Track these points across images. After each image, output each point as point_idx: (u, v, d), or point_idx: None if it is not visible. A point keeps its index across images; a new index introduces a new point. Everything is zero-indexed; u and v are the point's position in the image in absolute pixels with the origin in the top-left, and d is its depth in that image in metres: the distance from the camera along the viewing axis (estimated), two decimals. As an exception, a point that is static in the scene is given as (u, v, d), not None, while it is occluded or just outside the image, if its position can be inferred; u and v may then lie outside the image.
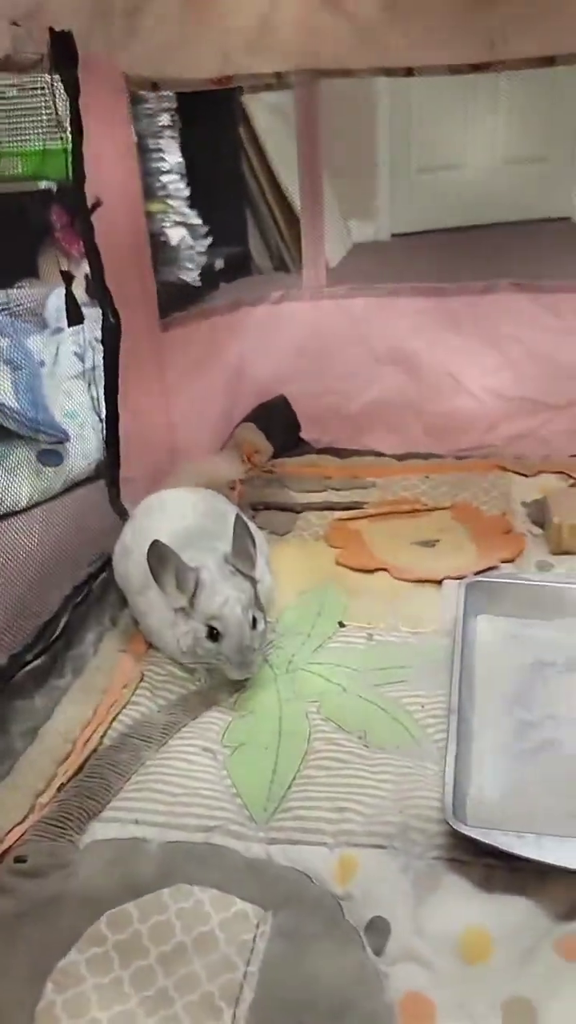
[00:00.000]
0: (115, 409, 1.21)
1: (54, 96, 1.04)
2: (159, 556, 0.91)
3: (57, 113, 1.05)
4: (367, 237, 3.57)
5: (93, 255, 1.11)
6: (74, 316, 1.09)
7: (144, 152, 2.31)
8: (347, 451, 1.64)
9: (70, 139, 1.05)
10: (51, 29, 0.98)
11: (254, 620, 0.92)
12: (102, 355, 1.19)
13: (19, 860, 0.73)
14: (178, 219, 2.47)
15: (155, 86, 1.29)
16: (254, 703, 0.94)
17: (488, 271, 1.60)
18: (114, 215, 1.15)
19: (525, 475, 1.46)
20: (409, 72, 1.38)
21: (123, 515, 1.21)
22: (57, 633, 1.01)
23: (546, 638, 1.02)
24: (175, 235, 2.46)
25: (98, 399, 1.22)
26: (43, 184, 1.89)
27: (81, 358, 1.62)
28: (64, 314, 1.09)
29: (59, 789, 0.83)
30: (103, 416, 1.21)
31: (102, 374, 1.20)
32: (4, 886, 0.71)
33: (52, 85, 1.03)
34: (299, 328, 1.63)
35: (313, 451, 1.65)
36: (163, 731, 0.90)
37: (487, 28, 1.30)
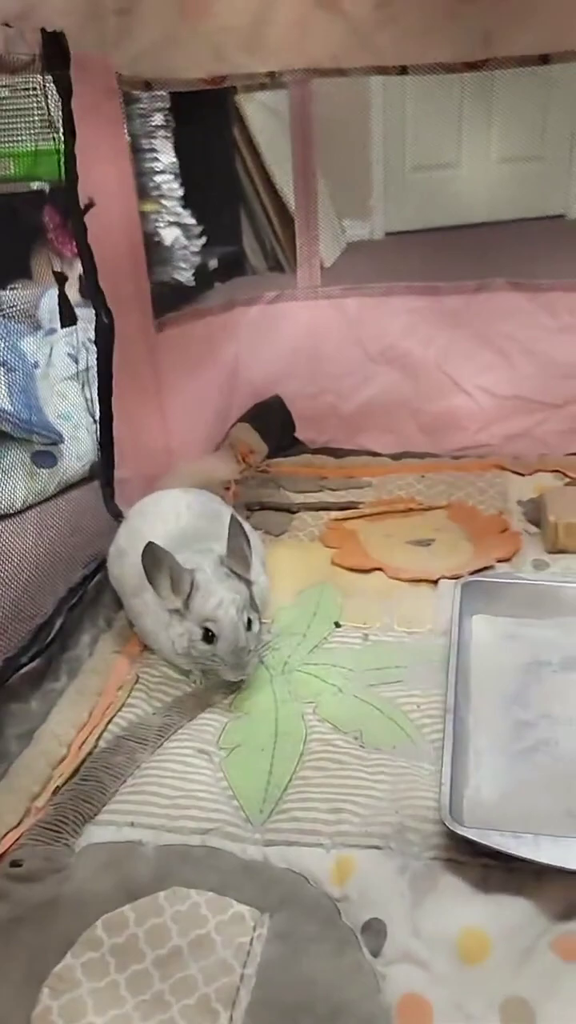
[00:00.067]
0: (109, 410, 1.21)
1: (46, 97, 1.04)
2: (154, 558, 0.90)
3: (49, 114, 1.05)
4: (361, 236, 3.57)
5: (86, 256, 1.11)
6: (67, 317, 1.09)
7: (137, 152, 2.30)
8: (342, 451, 1.64)
9: (62, 140, 1.05)
10: (43, 30, 0.98)
11: (249, 622, 0.92)
12: (96, 356, 1.19)
13: (14, 864, 0.73)
14: (172, 219, 2.47)
15: (148, 86, 1.28)
16: (250, 704, 0.94)
17: (483, 270, 1.60)
18: (107, 215, 1.15)
19: (521, 474, 1.46)
20: (403, 71, 1.37)
21: (118, 517, 1.20)
22: (52, 636, 1.00)
23: (542, 637, 1.02)
24: (169, 235, 2.45)
25: (92, 400, 1.22)
26: (36, 185, 1.88)
27: (75, 359, 1.62)
28: (57, 315, 1.09)
29: (54, 792, 0.83)
30: (97, 417, 1.21)
31: (96, 375, 1.19)
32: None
33: (44, 86, 1.03)
34: (294, 328, 1.63)
35: (308, 451, 1.65)
36: (158, 733, 0.89)
37: (481, 26, 1.30)
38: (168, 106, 2.37)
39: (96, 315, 1.15)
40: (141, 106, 2.29)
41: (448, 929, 0.67)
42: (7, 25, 0.93)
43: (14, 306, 1.71)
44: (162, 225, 2.44)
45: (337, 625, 1.08)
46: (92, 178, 1.10)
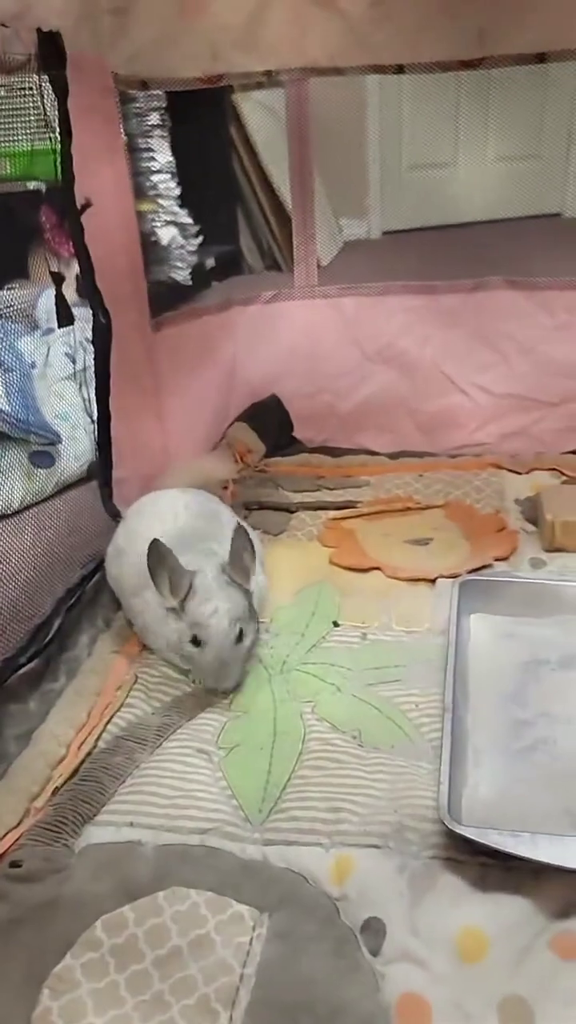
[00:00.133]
0: (107, 410, 1.21)
1: (42, 96, 1.04)
2: (157, 555, 0.91)
3: (45, 113, 1.05)
4: (358, 235, 3.57)
5: (83, 256, 1.11)
6: (64, 317, 1.09)
7: (134, 151, 2.30)
8: (340, 450, 1.64)
9: (59, 139, 1.05)
10: (39, 29, 0.98)
11: (241, 633, 0.92)
12: (93, 356, 1.19)
13: (14, 865, 0.73)
14: (169, 218, 2.46)
15: (144, 85, 1.28)
16: (249, 704, 0.94)
17: (479, 268, 1.60)
18: (104, 215, 1.15)
19: (518, 472, 1.46)
20: (399, 69, 1.37)
21: (116, 516, 1.20)
22: (50, 636, 1.00)
23: (540, 636, 1.02)
24: (166, 234, 2.45)
25: (89, 400, 1.22)
26: (32, 185, 1.88)
27: (72, 359, 1.62)
28: (54, 315, 1.09)
29: (54, 793, 0.83)
30: (94, 417, 1.21)
31: (93, 375, 1.19)
32: (-1, 891, 0.71)
33: (40, 86, 1.03)
34: (291, 327, 1.63)
35: (306, 450, 1.65)
36: (157, 733, 0.90)
37: (477, 25, 1.30)
38: (164, 105, 2.37)
39: (93, 315, 1.15)
40: (137, 105, 2.29)
41: (447, 928, 0.67)
42: (3, 25, 0.93)
43: (11, 306, 1.71)
44: (159, 224, 2.44)
45: (335, 624, 1.08)
46: (89, 178, 1.09)
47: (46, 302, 1.75)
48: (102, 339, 1.16)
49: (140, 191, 2.34)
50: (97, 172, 1.14)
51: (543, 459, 1.50)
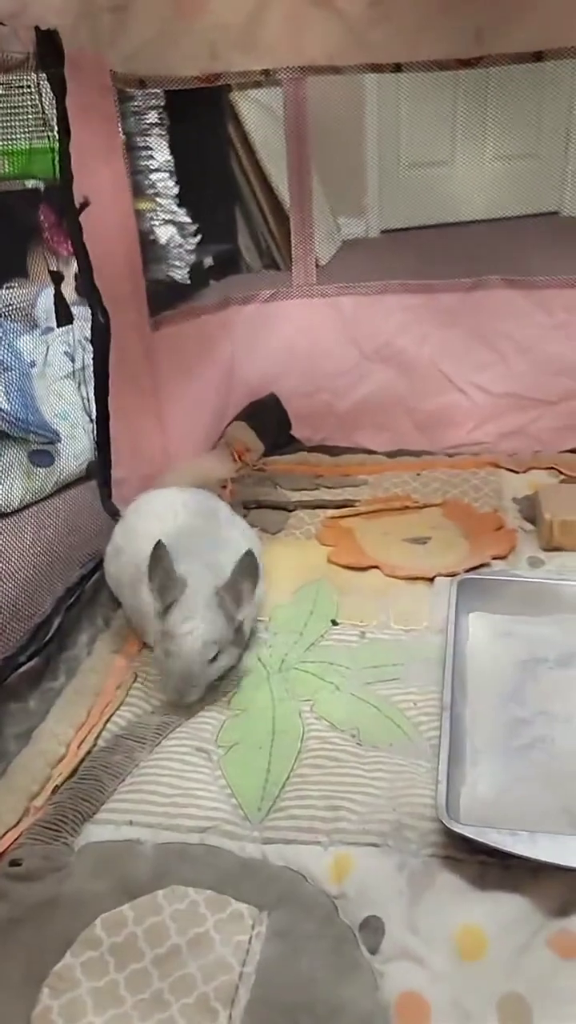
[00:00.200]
0: (106, 409, 1.21)
1: (41, 95, 1.03)
2: (156, 559, 0.91)
3: (44, 112, 1.05)
4: (357, 234, 3.57)
5: (82, 254, 1.11)
6: (63, 316, 1.09)
7: (132, 150, 2.30)
8: (338, 449, 1.64)
9: (57, 138, 1.05)
10: (37, 28, 0.98)
11: (216, 656, 0.91)
12: (92, 355, 1.19)
13: (14, 863, 0.73)
14: (167, 217, 2.46)
15: (143, 83, 1.28)
16: (247, 702, 0.94)
17: (477, 267, 1.60)
18: (102, 214, 1.15)
19: (516, 471, 1.46)
20: (397, 68, 1.37)
21: (115, 515, 1.20)
22: (50, 635, 1.00)
23: (538, 635, 1.02)
24: (164, 233, 2.45)
25: (88, 399, 1.22)
26: (30, 183, 1.88)
27: (71, 358, 1.62)
28: (53, 314, 1.09)
29: (53, 791, 0.83)
30: (94, 416, 1.21)
31: (92, 374, 1.19)
32: (-1, 890, 0.71)
33: (38, 84, 1.03)
34: (289, 326, 1.63)
35: (304, 449, 1.65)
36: (157, 731, 0.90)
37: (475, 24, 1.30)
38: (163, 104, 2.37)
39: (92, 314, 1.15)
40: (136, 104, 2.28)
41: (446, 926, 0.67)
42: (1, 23, 0.93)
43: (10, 305, 1.71)
44: (157, 223, 2.43)
45: (334, 623, 1.08)
46: (87, 176, 1.09)
47: (45, 301, 1.75)
48: (101, 338, 1.17)
49: (138, 190, 2.33)
50: (95, 171, 1.14)
51: (541, 458, 1.50)
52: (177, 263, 2.50)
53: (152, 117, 2.36)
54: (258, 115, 2.82)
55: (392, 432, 1.65)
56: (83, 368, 1.31)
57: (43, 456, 1.47)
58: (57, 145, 1.05)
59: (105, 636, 1.08)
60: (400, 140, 3.46)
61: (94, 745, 0.90)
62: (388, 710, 0.91)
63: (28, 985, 0.63)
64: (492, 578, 1.10)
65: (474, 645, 1.01)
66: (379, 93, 3.32)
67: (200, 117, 2.57)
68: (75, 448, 1.50)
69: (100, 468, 1.24)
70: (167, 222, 2.46)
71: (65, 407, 1.56)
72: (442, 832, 0.73)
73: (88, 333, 1.17)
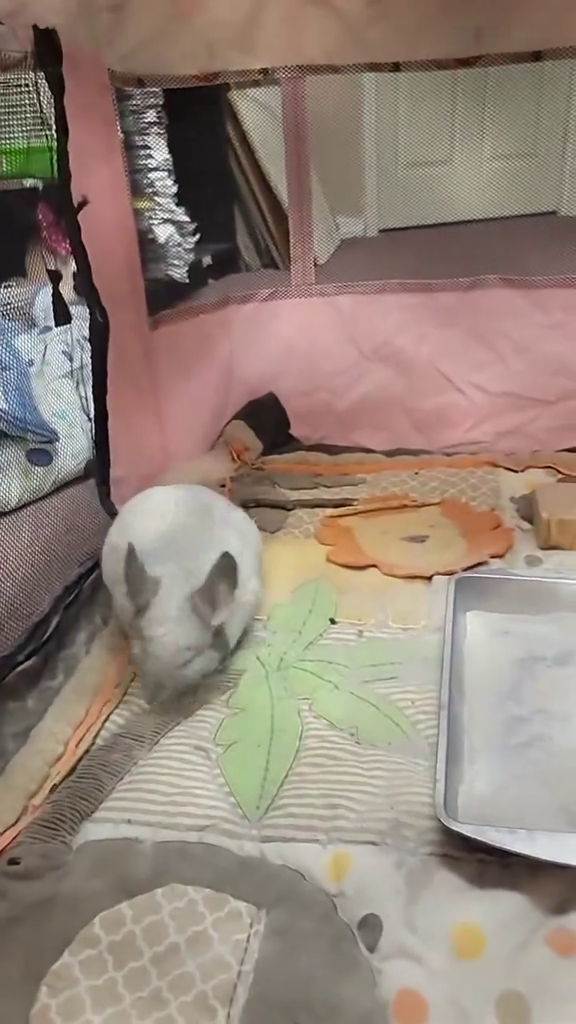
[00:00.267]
0: (104, 408, 1.21)
1: (39, 94, 1.03)
2: (128, 560, 0.90)
3: (42, 111, 1.05)
4: (355, 233, 3.57)
5: (80, 253, 1.11)
6: (62, 315, 1.09)
7: (131, 149, 2.29)
8: (337, 448, 1.64)
9: (55, 137, 1.05)
10: (35, 27, 0.97)
11: (192, 659, 0.90)
12: (90, 354, 1.18)
13: (12, 862, 0.73)
14: (165, 216, 2.46)
15: (141, 82, 1.28)
16: (246, 701, 0.94)
17: (475, 267, 1.60)
18: (101, 213, 1.15)
19: (514, 470, 1.46)
20: (396, 67, 1.37)
21: (113, 514, 1.20)
22: (48, 633, 1.00)
23: (536, 633, 1.02)
24: (163, 232, 2.45)
25: (87, 398, 1.22)
26: (29, 182, 1.88)
27: (69, 357, 1.61)
28: (52, 313, 1.09)
29: (52, 790, 0.83)
30: (92, 415, 1.21)
31: (90, 373, 1.19)
32: (-3, 889, 0.71)
33: (37, 83, 1.03)
34: (288, 325, 1.63)
35: (303, 448, 1.65)
36: (155, 730, 0.90)
37: (473, 23, 1.30)
38: (161, 103, 2.36)
39: (90, 313, 1.15)
40: (134, 103, 2.28)
41: (444, 924, 0.67)
42: (-1, 22, 0.93)
43: (8, 304, 1.70)
44: (156, 222, 2.43)
45: (332, 622, 1.08)
46: (85, 175, 1.09)
47: (43, 300, 1.75)
48: (99, 337, 1.16)
49: (137, 189, 2.33)
50: (94, 170, 1.14)
51: (539, 457, 1.50)
52: (176, 262, 2.50)
53: (150, 116, 2.35)
54: (257, 114, 2.82)
55: (390, 431, 1.65)
56: (81, 367, 1.32)
57: (41, 455, 1.47)
58: (55, 144, 1.05)
59: (103, 635, 1.08)
60: (398, 139, 3.46)
61: (92, 744, 0.90)
62: (386, 708, 0.92)
63: (26, 983, 0.63)
64: (490, 577, 1.11)
65: (472, 643, 1.01)
66: (377, 92, 3.32)
67: (198, 116, 2.57)
68: (73, 447, 1.50)
69: (98, 467, 1.24)
70: (166, 221, 2.46)
71: (63, 406, 1.56)
72: (440, 830, 0.73)
73: (86, 332, 1.17)
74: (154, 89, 2.15)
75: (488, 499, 1.37)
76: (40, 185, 1.88)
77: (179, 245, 2.50)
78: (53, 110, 1.04)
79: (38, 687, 0.97)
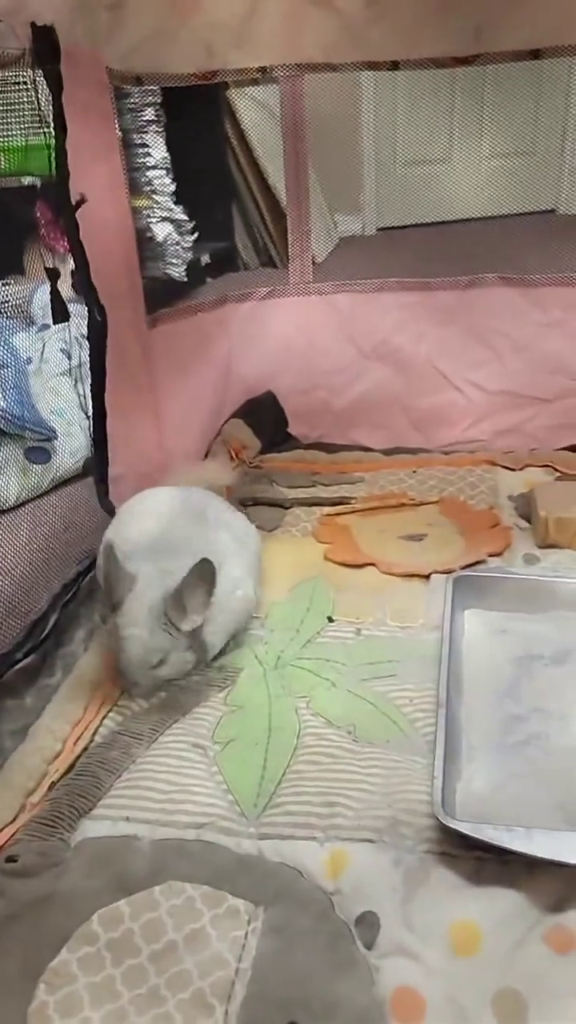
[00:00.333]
0: (102, 406, 1.20)
1: (37, 91, 1.03)
2: (105, 559, 0.91)
3: (40, 108, 1.04)
4: (353, 231, 3.57)
5: (78, 252, 1.11)
6: (60, 313, 1.09)
7: (129, 147, 2.29)
8: (335, 446, 1.64)
9: (53, 135, 1.05)
10: (33, 24, 0.97)
11: (160, 663, 0.91)
12: (88, 352, 1.18)
13: (10, 860, 0.73)
14: (164, 214, 2.46)
15: (139, 80, 1.28)
16: (244, 699, 0.94)
17: (474, 265, 1.60)
18: (99, 211, 1.14)
19: (512, 469, 1.46)
20: (394, 66, 1.37)
21: (111, 513, 1.20)
22: (47, 631, 1.00)
23: (534, 632, 1.02)
24: (161, 230, 2.44)
25: (85, 396, 1.22)
26: (27, 180, 1.87)
27: (68, 355, 1.61)
28: (50, 311, 1.09)
29: (50, 788, 0.83)
30: (90, 413, 1.21)
31: (89, 371, 1.19)
32: (-5, 886, 0.71)
33: (35, 80, 1.02)
34: (286, 324, 1.63)
35: (301, 446, 1.65)
36: (153, 728, 0.90)
37: (472, 22, 1.30)
38: (159, 101, 2.36)
39: (89, 311, 1.15)
40: (132, 101, 2.27)
41: (441, 922, 0.67)
42: (-2, 20, 0.93)
43: (7, 302, 1.70)
44: (154, 220, 2.43)
45: (330, 620, 1.09)
46: (83, 174, 1.09)
47: (41, 298, 1.75)
48: (97, 335, 1.16)
49: (135, 187, 2.33)
50: (92, 168, 1.14)
51: (536, 456, 1.50)
52: (174, 260, 2.49)
53: (149, 114, 2.35)
54: (255, 113, 2.82)
55: (388, 430, 1.65)
56: (80, 365, 1.31)
57: (39, 453, 1.47)
58: (53, 142, 1.05)
59: (102, 633, 1.08)
60: (397, 137, 3.46)
61: (91, 741, 0.90)
62: (384, 707, 0.92)
63: (24, 981, 0.64)
64: (488, 575, 1.11)
65: (470, 642, 1.01)
66: (376, 91, 3.32)
67: (197, 114, 2.57)
68: (71, 445, 1.50)
69: (96, 465, 1.24)
70: (164, 219, 2.46)
71: (61, 404, 1.56)
72: (438, 828, 0.74)
73: (85, 330, 1.17)
74: (152, 87, 2.15)
75: (486, 498, 1.37)
76: (38, 183, 1.88)
77: (177, 243, 2.50)
78: (51, 108, 1.04)
79: (36, 685, 0.97)
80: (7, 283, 1.87)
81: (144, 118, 2.33)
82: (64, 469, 1.49)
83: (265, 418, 1.65)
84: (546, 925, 0.66)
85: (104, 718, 0.93)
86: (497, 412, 1.61)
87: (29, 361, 1.61)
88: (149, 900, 0.69)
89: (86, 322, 1.16)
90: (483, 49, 1.33)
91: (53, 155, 1.05)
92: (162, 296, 1.81)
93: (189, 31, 1.25)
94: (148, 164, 2.38)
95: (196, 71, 1.32)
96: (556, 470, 1.44)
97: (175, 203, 2.48)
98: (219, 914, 0.68)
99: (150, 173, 2.39)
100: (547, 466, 1.46)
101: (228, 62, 1.33)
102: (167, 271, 2.47)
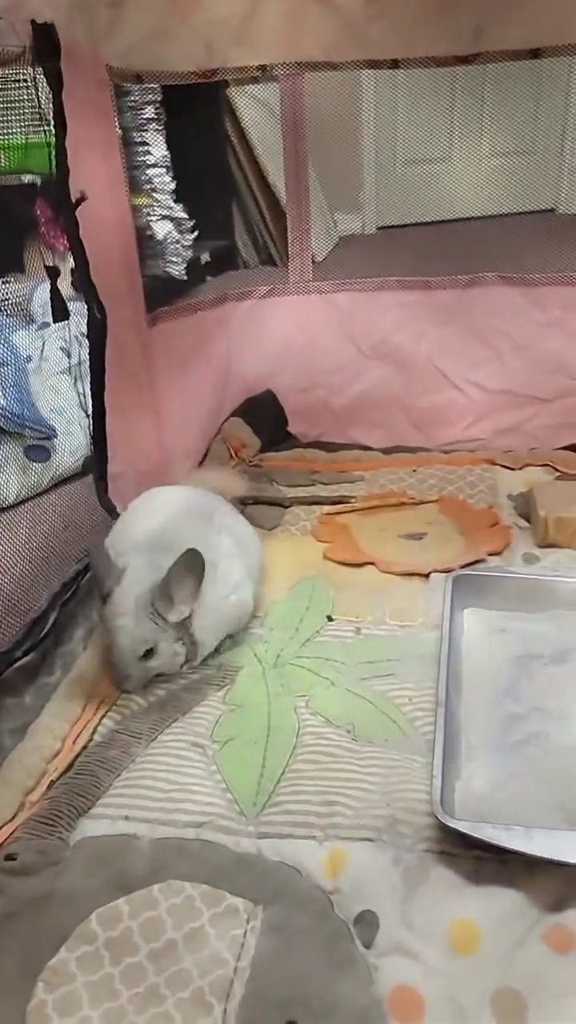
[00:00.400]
0: (102, 405, 1.20)
1: (37, 89, 1.03)
2: (95, 551, 0.92)
3: (40, 106, 1.04)
4: (353, 230, 3.56)
5: (78, 250, 1.11)
6: (60, 311, 1.08)
7: (129, 145, 2.28)
8: (334, 445, 1.64)
9: (53, 133, 1.05)
10: (33, 22, 0.97)
11: (149, 653, 0.92)
12: (88, 350, 1.18)
13: (9, 858, 0.73)
14: (164, 213, 2.45)
15: (139, 78, 1.28)
16: (243, 698, 0.94)
17: (474, 264, 1.60)
18: (99, 209, 1.14)
19: (511, 468, 1.46)
20: (394, 64, 1.37)
21: (111, 511, 1.20)
22: (46, 630, 1.00)
23: (533, 631, 1.02)
24: (161, 229, 2.44)
25: (85, 395, 1.21)
26: (27, 178, 1.87)
27: (67, 353, 1.61)
28: (50, 309, 1.09)
29: (49, 786, 0.83)
30: (90, 412, 1.21)
31: (89, 370, 1.19)
32: (-6, 885, 0.71)
33: (35, 78, 1.02)
34: (286, 322, 1.63)
35: (300, 445, 1.65)
36: (152, 727, 0.90)
37: (472, 21, 1.30)
38: (159, 99, 2.36)
39: (88, 309, 1.14)
40: (132, 99, 2.27)
41: (440, 921, 0.67)
42: (-2, 17, 0.93)
43: (6, 300, 1.70)
44: (154, 219, 2.43)
45: (329, 619, 1.08)
46: (83, 172, 1.09)
47: (41, 296, 1.75)
48: (97, 334, 1.16)
49: (135, 185, 2.33)
50: (92, 166, 1.14)
51: (536, 455, 1.50)
52: (174, 259, 2.49)
53: (149, 112, 2.35)
54: (255, 111, 2.82)
55: (388, 429, 1.65)
56: (79, 363, 1.31)
57: (39, 451, 1.46)
58: (53, 140, 1.05)
59: (101, 631, 1.08)
60: (397, 136, 3.46)
61: (90, 740, 0.90)
62: (383, 706, 0.92)
63: (23, 979, 0.64)
64: (487, 574, 1.11)
65: (469, 641, 1.01)
66: (376, 89, 3.31)
67: (197, 112, 2.57)
68: (71, 444, 1.50)
69: (96, 463, 1.24)
70: (164, 218, 2.45)
71: (61, 403, 1.56)
72: (437, 827, 0.73)
73: (84, 328, 1.17)
74: (152, 85, 2.15)
75: (486, 497, 1.37)
76: (38, 181, 1.88)
77: (177, 242, 2.50)
78: (51, 106, 1.04)
79: (35, 683, 0.97)
80: (7, 281, 1.87)
81: (144, 116, 2.33)
82: (64, 467, 1.49)
83: (265, 417, 1.65)
84: (545, 924, 0.66)
85: (103, 717, 0.93)
86: (497, 411, 1.61)
87: (29, 359, 1.61)
88: (148, 899, 0.69)
89: (86, 320, 1.15)
90: (483, 48, 1.33)
91: (53, 153, 1.05)
92: (162, 294, 1.81)
93: (189, 29, 1.25)
94: (148, 162, 2.38)
95: (196, 69, 1.32)
96: (556, 469, 1.44)
97: (175, 201, 2.48)
98: (218, 913, 0.68)
99: (150, 171, 2.39)
100: (547, 465, 1.46)
101: (228, 60, 1.33)
102: (167, 269, 2.47)
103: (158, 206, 2.43)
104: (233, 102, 2.78)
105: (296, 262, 1.62)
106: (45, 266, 1.10)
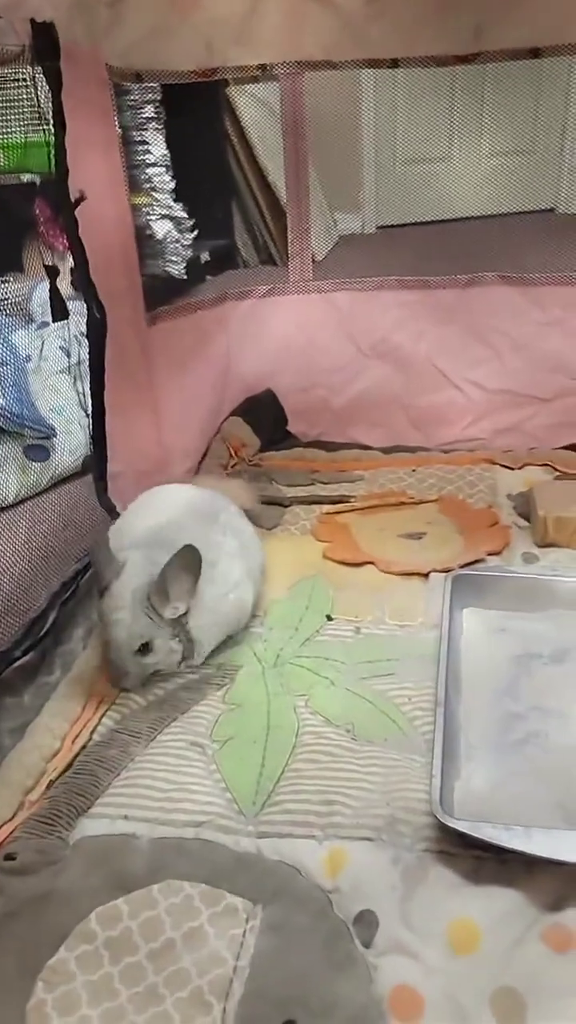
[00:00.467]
0: (101, 404, 1.20)
1: (36, 88, 1.03)
2: (96, 545, 0.93)
3: (39, 105, 1.04)
4: (353, 230, 3.56)
5: (77, 249, 1.11)
6: (59, 311, 1.08)
7: (128, 144, 2.28)
8: (334, 444, 1.64)
9: (53, 132, 1.04)
10: (33, 21, 0.97)
11: (145, 648, 0.92)
12: (88, 350, 1.18)
13: (8, 857, 0.73)
14: (163, 212, 2.45)
15: (139, 77, 1.28)
16: (242, 697, 0.94)
17: (474, 264, 1.60)
18: (99, 208, 1.14)
19: (511, 468, 1.46)
20: (394, 64, 1.37)
21: (111, 510, 1.20)
22: (45, 629, 1.00)
23: (532, 630, 1.02)
24: (160, 228, 2.44)
25: (84, 394, 1.21)
26: (26, 177, 1.87)
27: (67, 353, 1.61)
28: (49, 309, 1.09)
29: (48, 786, 0.83)
30: (89, 411, 1.21)
31: (88, 369, 1.19)
32: (-7, 884, 0.71)
33: (34, 77, 1.02)
34: (285, 322, 1.63)
35: (300, 445, 1.65)
36: (152, 726, 0.90)
37: (472, 20, 1.30)
38: (159, 98, 2.36)
39: (88, 309, 1.14)
40: (132, 98, 2.27)
41: (439, 920, 0.67)
42: (-3, 16, 0.93)
43: (6, 299, 1.70)
44: (154, 218, 2.43)
45: (329, 618, 1.08)
46: (83, 171, 1.09)
47: (41, 295, 1.75)
48: (97, 333, 1.16)
49: (134, 184, 2.33)
50: (91, 165, 1.13)
51: (536, 455, 1.50)
52: (173, 258, 2.49)
53: (148, 111, 2.35)
54: (255, 110, 2.82)
55: (388, 428, 1.65)
56: (79, 363, 1.31)
57: (38, 451, 1.46)
58: (53, 139, 1.05)
59: (100, 629, 1.08)
60: (397, 136, 3.46)
61: (89, 739, 0.90)
62: (383, 705, 0.92)
63: (22, 978, 0.64)
64: (487, 574, 1.11)
65: (468, 640, 1.01)
66: (376, 89, 3.31)
67: (197, 112, 2.56)
68: (71, 443, 1.50)
69: (96, 463, 1.24)
70: (163, 217, 2.45)
71: (61, 402, 1.56)
72: (436, 827, 0.73)
73: (84, 328, 1.17)
74: (152, 84, 2.15)
75: (485, 496, 1.37)
76: (37, 180, 1.88)
77: (177, 241, 2.50)
78: (51, 105, 1.04)
79: (35, 683, 0.97)
80: (6, 280, 1.87)
81: (144, 115, 2.33)
82: (63, 467, 1.49)
83: (264, 416, 1.65)
84: (544, 924, 0.66)
85: (103, 716, 0.93)
86: (496, 411, 1.61)
87: (28, 359, 1.61)
88: (147, 898, 0.69)
89: (85, 320, 1.15)
90: (483, 47, 1.33)
91: (52, 152, 1.05)
92: (161, 294, 1.81)
93: (189, 28, 1.25)
94: (148, 161, 2.38)
95: (196, 68, 1.32)
96: (555, 469, 1.45)
97: (175, 200, 2.48)
98: (217, 912, 0.68)
99: (150, 170, 2.39)
100: (546, 465, 1.46)
101: (228, 59, 1.33)
102: (166, 269, 2.47)
103: (158, 205, 2.43)
104: (233, 101, 2.78)
105: (296, 261, 1.62)
106: (44, 265, 1.10)
